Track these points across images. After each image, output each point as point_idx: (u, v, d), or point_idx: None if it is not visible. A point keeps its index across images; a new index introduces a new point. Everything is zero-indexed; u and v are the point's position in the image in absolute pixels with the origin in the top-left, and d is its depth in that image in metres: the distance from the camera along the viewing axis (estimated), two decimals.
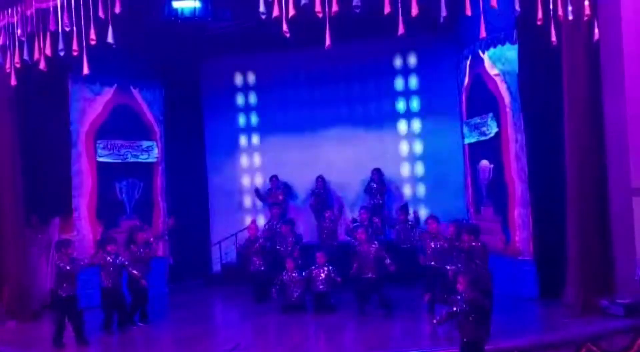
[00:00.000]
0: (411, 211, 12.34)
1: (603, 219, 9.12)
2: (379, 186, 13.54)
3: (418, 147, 13.97)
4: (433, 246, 9.70)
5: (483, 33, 7.70)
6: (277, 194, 13.93)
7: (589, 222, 9.04)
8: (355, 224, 11.55)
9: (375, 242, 10.30)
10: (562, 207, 9.34)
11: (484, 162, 11.44)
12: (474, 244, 8.18)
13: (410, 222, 12.18)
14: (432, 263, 9.67)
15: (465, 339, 6.71)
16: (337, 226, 12.67)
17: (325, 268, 10.46)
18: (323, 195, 13.92)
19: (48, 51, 7.89)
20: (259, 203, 14.48)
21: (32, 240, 11.49)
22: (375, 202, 13.43)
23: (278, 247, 12.04)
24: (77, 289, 9.04)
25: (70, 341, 8.88)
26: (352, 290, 10.14)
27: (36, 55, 8.04)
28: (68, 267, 8.91)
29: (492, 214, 11.19)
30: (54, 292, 9.04)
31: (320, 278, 10.42)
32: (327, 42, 7.04)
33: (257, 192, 14.15)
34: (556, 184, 9.55)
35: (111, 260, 9.54)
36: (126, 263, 9.72)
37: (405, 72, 14.04)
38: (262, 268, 11.62)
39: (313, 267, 10.51)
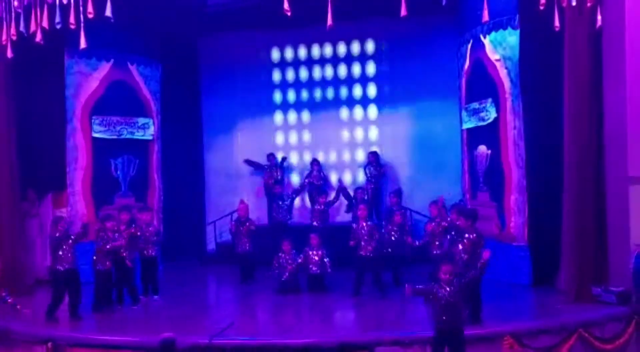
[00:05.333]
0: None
1: (599, 207, 9.12)
2: (376, 169, 13.52)
3: (416, 132, 13.94)
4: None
5: (486, 17, 7.65)
6: (274, 171, 13.92)
7: (584, 210, 9.04)
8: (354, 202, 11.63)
9: (372, 221, 10.30)
10: (559, 194, 9.34)
11: (482, 148, 11.41)
12: (469, 234, 8.12)
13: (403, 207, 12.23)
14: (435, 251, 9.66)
15: (441, 328, 6.72)
16: (329, 209, 12.66)
17: (319, 251, 10.46)
18: (318, 180, 13.88)
19: (45, 23, 7.77)
20: (255, 182, 14.47)
21: (26, 214, 11.47)
22: (373, 185, 13.41)
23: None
24: (76, 264, 9.01)
25: (62, 316, 8.88)
26: (352, 267, 10.15)
27: (32, 28, 7.94)
28: (57, 241, 8.88)
29: (488, 199, 11.19)
30: (52, 266, 9.01)
31: (314, 260, 10.43)
32: (329, 21, 6.98)
33: (249, 162, 14.15)
34: (553, 170, 9.53)
35: (109, 238, 9.45)
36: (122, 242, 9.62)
37: (405, 54, 13.96)
38: (250, 249, 11.58)
39: (307, 249, 10.52)
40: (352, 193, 12.79)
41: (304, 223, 13.20)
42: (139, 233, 10.09)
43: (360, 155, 14.23)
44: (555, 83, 9.40)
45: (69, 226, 9.60)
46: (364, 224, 10.08)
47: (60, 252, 8.86)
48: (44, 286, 10.50)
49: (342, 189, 12.77)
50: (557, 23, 7.91)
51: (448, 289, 6.74)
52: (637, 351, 8.07)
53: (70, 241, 8.95)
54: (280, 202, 12.92)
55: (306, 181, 13.77)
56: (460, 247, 8.07)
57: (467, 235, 8.08)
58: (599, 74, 9.12)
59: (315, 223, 12.20)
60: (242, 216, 11.73)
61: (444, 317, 6.70)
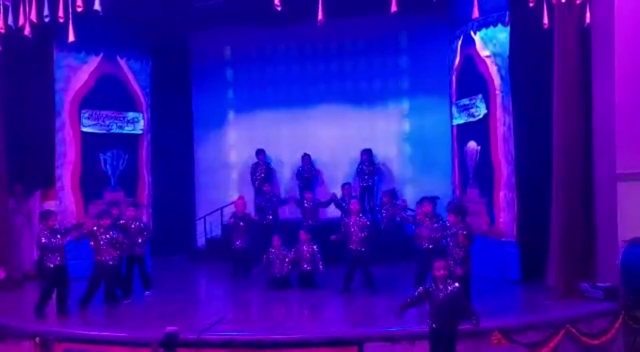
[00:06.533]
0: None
1: (587, 203, 9.18)
2: (369, 167, 13.54)
3: (406, 127, 13.98)
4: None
5: (476, 13, 7.67)
6: (261, 170, 13.93)
7: (573, 206, 9.09)
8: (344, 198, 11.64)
9: (364, 217, 10.28)
10: (548, 190, 9.38)
11: (472, 144, 11.44)
12: (460, 231, 8.10)
13: (397, 206, 12.28)
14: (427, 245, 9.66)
15: (435, 326, 6.73)
16: (317, 207, 12.70)
17: (310, 247, 10.44)
18: (308, 175, 13.89)
19: (33, 17, 7.72)
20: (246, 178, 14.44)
21: (14, 209, 11.40)
22: (366, 183, 13.44)
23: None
24: (65, 260, 8.94)
25: (51, 311, 8.84)
26: (343, 263, 10.14)
27: (21, 21, 7.87)
28: (44, 239, 8.79)
29: (477, 195, 11.23)
30: (41, 262, 8.93)
31: (306, 257, 10.41)
32: (320, 17, 6.97)
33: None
34: (542, 167, 9.58)
35: (101, 233, 9.33)
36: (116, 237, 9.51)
37: (397, 50, 13.99)
38: (246, 245, 11.54)
39: (298, 246, 10.49)
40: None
41: (293, 219, 13.21)
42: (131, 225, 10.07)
43: (353, 152, 14.20)
44: (545, 80, 9.42)
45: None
46: (356, 218, 10.09)
47: (50, 250, 8.79)
48: (31, 281, 10.45)
49: (334, 199, 12.58)
50: (546, 20, 7.94)
51: (442, 286, 6.74)
52: (624, 347, 8.15)
53: (59, 236, 8.87)
54: (268, 201, 12.90)
55: (303, 175, 13.84)
56: (451, 244, 8.08)
57: (459, 231, 8.08)
58: (588, 70, 9.17)
59: (310, 221, 12.20)
60: (239, 211, 11.69)
61: (440, 316, 6.71)
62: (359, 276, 10.01)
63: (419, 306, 7.14)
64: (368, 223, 10.17)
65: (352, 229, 10.00)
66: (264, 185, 13.30)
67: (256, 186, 13.87)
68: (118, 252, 9.48)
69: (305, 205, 12.56)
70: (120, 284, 9.91)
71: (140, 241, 10.27)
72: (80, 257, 9.68)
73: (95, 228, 9.37)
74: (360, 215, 10.28)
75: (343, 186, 12.78)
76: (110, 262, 9.37)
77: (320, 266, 10.35)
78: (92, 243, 9.33)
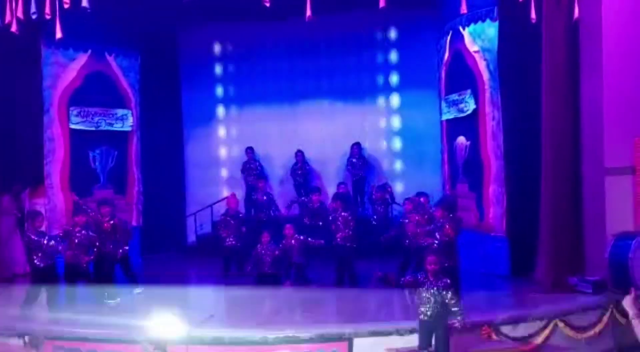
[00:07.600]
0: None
1: (576, 197, 9.23)
2: (359, 161, 13.56)
3: (396, 123, 14.01)
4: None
5: (464, 9, 7.70)
6: (252, 167, 13.91)
7: (561, 200, 9.13)
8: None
9: (347, 212, 10.30)
10: (536, 185, 9.42)
11: (461, 139, 11.48)
12: (447, 226, 8.11)
13: (388, 202, 12.31)
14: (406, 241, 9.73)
15: (425, 318, 6.75)
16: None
17: (297, 240, 10.36)
18: (303, 171, 13.88)
19: (20, 14, 7.68)
20: (236, 175, 14.42)
21: (5, 208, 11.33)
22: (356, 177, 13.45)
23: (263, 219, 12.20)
24: (54, 258, 8.87)
25: (40, 309, 8.77)
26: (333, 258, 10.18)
27: (8, 18, 7.83)
28: (34, 238, 8.71)
29: (467, 190, 11.27)
30: (30, 262, 8.87)
31: (295, 249, 10.37)
32: (308, 13, 6.98)
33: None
34: (531, 162, 9.62)
35: (78, 233, 9.15)
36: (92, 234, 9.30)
37: (386, 46, 14.01)
38: (237, 243, 11.50)
39: (284, 242, 10.45)
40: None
41: (286, 216, 13.19)
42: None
43: (342, 148, 14.18)
44: (533, 75, 9.45)
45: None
46: (341, 214, 10.09)
47: (39, 249, 8.72)
48: (21, 281, 10.39)
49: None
50: (533, 15, 7.97)
51: (432, 280, 6.77)
52: (613, 340, 8.20)
53: (45, 241, 8.75)
54: (259, 198, 12.89)
55: (297, 172, 13.84)
56: (438, 237, 8.10)
57: (445, 224, 8.11)
58: (576, 65, 9.21)
59: (305, 220, 12.13)
60: (231, 209, 11.63)
61: (429, 309, 6.73)
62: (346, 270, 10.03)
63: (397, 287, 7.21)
64: (350, 218, 10.15)
65: (339, 225, 10.01)
66: (258, 182, 13.25)
67: (249, 184, 13.82)
68: (91, 254, 9.24)
69: (310, 205, 12.40)
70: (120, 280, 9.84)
71: (117, 237, 9.84)
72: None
73: (71, 227, 9.25)
74: (345, 212, 10.26)
75: (338, 185, 12.80)
76: (83, 265, 9.18)
77: (321, 241, 10.23)
78: (60, 247, 9.00)
